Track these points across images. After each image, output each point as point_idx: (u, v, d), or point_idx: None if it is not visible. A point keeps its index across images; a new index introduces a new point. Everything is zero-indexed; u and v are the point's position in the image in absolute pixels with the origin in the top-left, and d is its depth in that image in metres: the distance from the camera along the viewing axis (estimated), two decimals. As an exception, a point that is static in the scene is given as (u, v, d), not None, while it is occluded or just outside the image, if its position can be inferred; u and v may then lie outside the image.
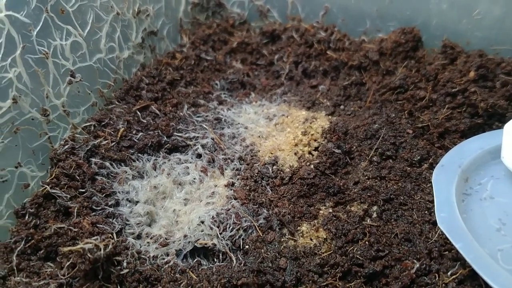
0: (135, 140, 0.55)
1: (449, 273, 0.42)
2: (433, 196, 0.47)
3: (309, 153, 0.55)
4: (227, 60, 0.67)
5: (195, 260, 0.46)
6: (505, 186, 0.48)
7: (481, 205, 0.46)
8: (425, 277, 0.42)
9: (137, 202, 0.50)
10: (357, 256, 0.44)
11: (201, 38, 0.68)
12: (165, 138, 0.56)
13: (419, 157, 0.51)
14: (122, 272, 0.43)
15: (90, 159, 0.52)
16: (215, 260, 0.46)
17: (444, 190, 0.46)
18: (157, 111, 0.58)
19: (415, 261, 0.43)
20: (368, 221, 0.48)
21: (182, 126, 0.57)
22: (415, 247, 0.44)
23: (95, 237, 0.44)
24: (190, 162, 0.53)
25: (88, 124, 0.55)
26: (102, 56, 0.57)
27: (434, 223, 0.45)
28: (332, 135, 0.55)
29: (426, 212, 0.47)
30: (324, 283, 0.43)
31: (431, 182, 0.48)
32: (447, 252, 0.43)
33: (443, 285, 0.41)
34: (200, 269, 0.45)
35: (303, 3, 0.69)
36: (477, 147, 0.51)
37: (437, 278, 0.42)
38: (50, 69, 0.51)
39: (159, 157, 0.55)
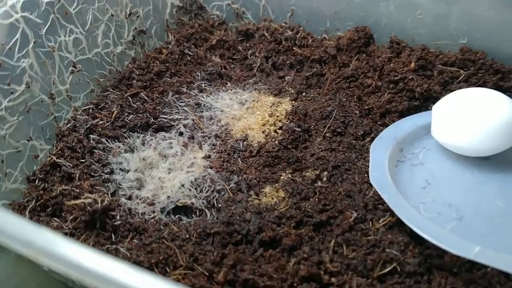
0: (126, 121, 0.65)
1: (380, 221, 0.52)
2: (368, 161, 0.57)
3: (275, 131, 0.65)
4: (207, 55, 0.77)
5: (176, 216, 0.56)
6: (434, 155, 0.59)
7: (411, 169, 0.57)
8: (361, 224, 0.52)
9: (128, 170, 0.60)
10: (308, 209, 0.54)
11: (185, 36, 0.79)
12: (152, 119, 0.66)
13: (362, 132, 0.62)
14: (115, 223, 0.53)
15: (89, 135, 0.62)
16: (193, 216, 0.56)
17: (378, 156, 0.56)
18: (146, 97, 0.68)
19: (353, 212, 0.53)
20: (319, 183, 0.58)
21: (167, 110, 0.67)
22: (355, 201, 0.54)
23: (94, 194, 0.54)
24: (173, 139, 0.63)
25: (87, 107, 0.65)
26: (99, 51, 0.67)
27: (371, 183, 0.55)
28: (294, 117, 0.66)
29: (365, 175, 0.57)
30: (281, 231, 0.52)
31: (371, 153, 0.58)
32: (380, 205, 0.53)
33: (375, 230, 0.51)
34: (180, 222, 0.55)
35: (273, 6, 0.79)
36: (412, 123, 0.61)
37: (370, 225, 0.52)
38: (56, 61, 0.61)
39: (147, 135, 0.64)
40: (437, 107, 0.57)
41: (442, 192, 0.53)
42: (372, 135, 0.61)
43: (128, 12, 0.71)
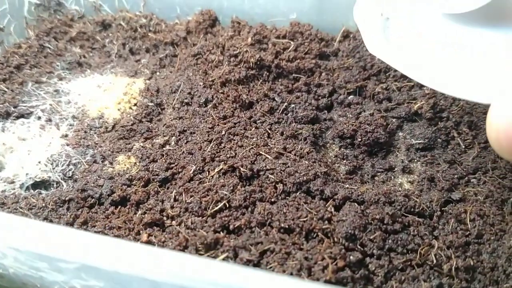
0: (-14, 111, 0.68)
1: (215, 170, 0.60)
2: (211, 124, 0.66)
3: (130, 108, 0.71)
4: (68, 46, 0.82)
5: (36, 191, 0.61)
6: None
7: None
8: (200, 175, 0.60)
9: (-12, 155, 0.64)
10: (155, 169, 0.61)
11: (44, 31, 0.83)
12: (12, 108, 0.70)
13: (204, 100, 0.69)
14: (-27, 202, 0.57)
15: None
16: (52, 188, 0.61)
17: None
18: (5, 89, 0.72)
19: (193, 165, 0.61)
20: (167, 147, 0.65)
21: (27, 98, 0.71)
22: (195, 157, 0.62)
23: None
24: (32, 123, 0.68)
25: None
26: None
27: (210, 141, 0.63)
28: (147, 93, 0.72)
29: (206, 134, 0.64)
30: (131, 190, 0.59)
31: (212, 116, 0.66)
32: (216, 157, 0.61)
33: (210, 177, 0.59)
34: (39, 195, 0.60)
35: (126, -3, 0.86)
36: None
37: (207, 174, 0.60)
38: None
39: (7, 122, 0.68)
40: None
41: None
42: (214, 101, 0.69)
43: (-19, 11, 0.75)
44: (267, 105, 0.69)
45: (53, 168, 0.62)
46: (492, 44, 0.53)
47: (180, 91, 0.71)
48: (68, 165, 0.63)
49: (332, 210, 0.54)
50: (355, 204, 0.55)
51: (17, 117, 0.69)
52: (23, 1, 0.83)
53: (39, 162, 0.62)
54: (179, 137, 0.66)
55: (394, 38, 0.57)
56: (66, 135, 0.67)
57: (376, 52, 0.55)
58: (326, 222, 0.53)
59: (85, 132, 0.67)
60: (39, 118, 0.69)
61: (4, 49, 0.79)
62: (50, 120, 0.68)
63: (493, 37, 0.53)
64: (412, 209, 0.56)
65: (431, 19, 0.58)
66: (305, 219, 0.53)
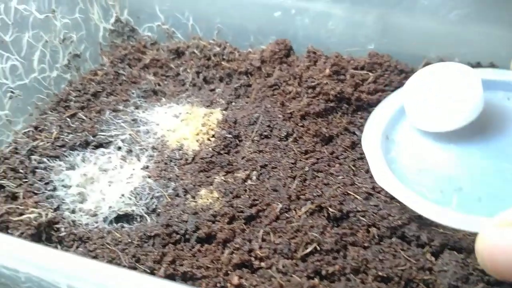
0: (66, 140, 0.69)
1: (302, 209, 0.58)
2: (293, 159, 0.64)
3: (208, 139, 0.71)
4: (141, 74, 0.82)
5: (119, 224, 0.60)
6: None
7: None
8: (286, 214, 0.58)
9: (71, 186, 0.64)
10: (239, 206, 0.60)
11: (119, 58, 0.84)
12: (91, 137, 0.70)
13: (285, 133, 0.68)
14: (60, 234, 0.57)
15: (31, 156, 0.66)
16: (135, 222, 0.61)
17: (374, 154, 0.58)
18: (84, 117, 0.73)
19: (279, 203, 0.59)
20: (249, 182, 0.64)
21: (105, 127, 0.72)
22: (280, 194, 0.60)
23: (38, 209, 0.58)
24: (112, 153, 0.68)
25: (27, 130, 0.69)
26: (35, 76, 0.72)
27: (294, 177, 0.62)
28: (225, 125, 0.72)
29: (289, 170, 0.63)
30: (216, 227, 0.58)
31: (293, 150, 0.65)
32: (301, 195, 0.60)
33: (298, 217, 0.57)
34: (123, 229, 0.59)
35: (200, 25, 0.86)
36: (388, 111, 0.63)
37: (294, 213, 0.58)
38: (-6, 88, 0.65)
39: (87, 152, 0.68)
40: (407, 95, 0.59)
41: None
42: (294, 135, 0.68)
43: (62, 37, 0.76)
44: (348, 139, 0.67)
45: (137, 202, 0.61)
46: (479, 160, 0.54)
47: (260, 123, 0.70)
48: (152, 198, 0.62)
49: (433, 259, 0.52)
50: (454, 252, 0.53)
51: (96, 147, 0.70)
52: (99, 27, 0.84)
53: (123, 195, 0.62)
54: (260, 172, 0.65)
55: (397, 163, 0.58)
56: (147, 167, 0.66)
57: (381, 183, 0.54)
58: (427, 272, 0.50)
59: (166, 164, 0.67)
60: (119, 148, 0.69)
61: (81, 76, 0.80)
62: (130, 150, 0.68)
63: (480, 151, 0.55)
64: (515, 260, 0.53)
65: (424, 140, 0.59)
66: (403, 267, 0.51)
